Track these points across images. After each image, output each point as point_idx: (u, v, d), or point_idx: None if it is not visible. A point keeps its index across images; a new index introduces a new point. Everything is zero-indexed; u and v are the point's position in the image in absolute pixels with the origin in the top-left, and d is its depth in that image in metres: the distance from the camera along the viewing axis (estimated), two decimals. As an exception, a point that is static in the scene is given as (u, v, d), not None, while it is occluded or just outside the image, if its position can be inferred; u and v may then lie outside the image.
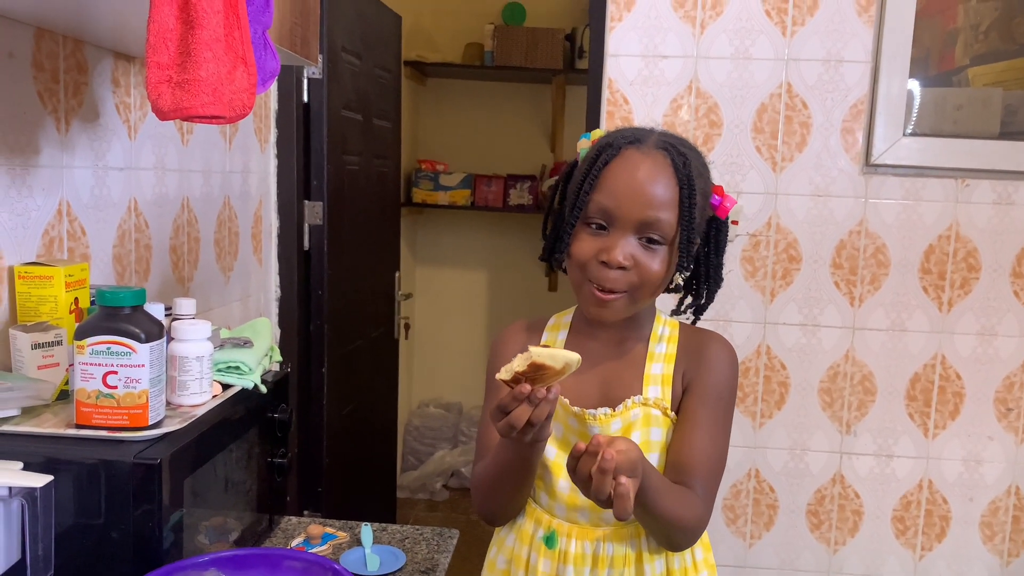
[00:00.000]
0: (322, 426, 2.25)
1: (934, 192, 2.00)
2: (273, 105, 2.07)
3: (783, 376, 2.07)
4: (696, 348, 1.14)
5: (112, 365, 0.94)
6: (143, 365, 0.95)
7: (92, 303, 1.16)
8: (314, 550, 1.28)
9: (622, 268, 1.04)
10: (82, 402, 0.95)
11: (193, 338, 1.07)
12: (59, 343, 1.08)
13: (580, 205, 1.06)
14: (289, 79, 2.07)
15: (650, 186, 1.04)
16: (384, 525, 1.38)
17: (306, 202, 2.16)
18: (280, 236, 2.13)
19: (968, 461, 2.07)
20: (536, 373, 0.88)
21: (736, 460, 2.09)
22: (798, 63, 1.98)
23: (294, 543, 1.31)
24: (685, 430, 1.10)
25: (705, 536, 1.14)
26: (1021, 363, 2.03)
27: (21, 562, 0.88)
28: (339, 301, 2.31)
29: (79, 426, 0.96)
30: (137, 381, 0.95)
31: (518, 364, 0.88)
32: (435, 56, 3.65)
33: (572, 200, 1.08)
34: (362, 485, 2.67)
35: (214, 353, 1.12)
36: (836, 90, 1.98)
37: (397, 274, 2.88)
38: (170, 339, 1.06)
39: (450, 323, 4.00)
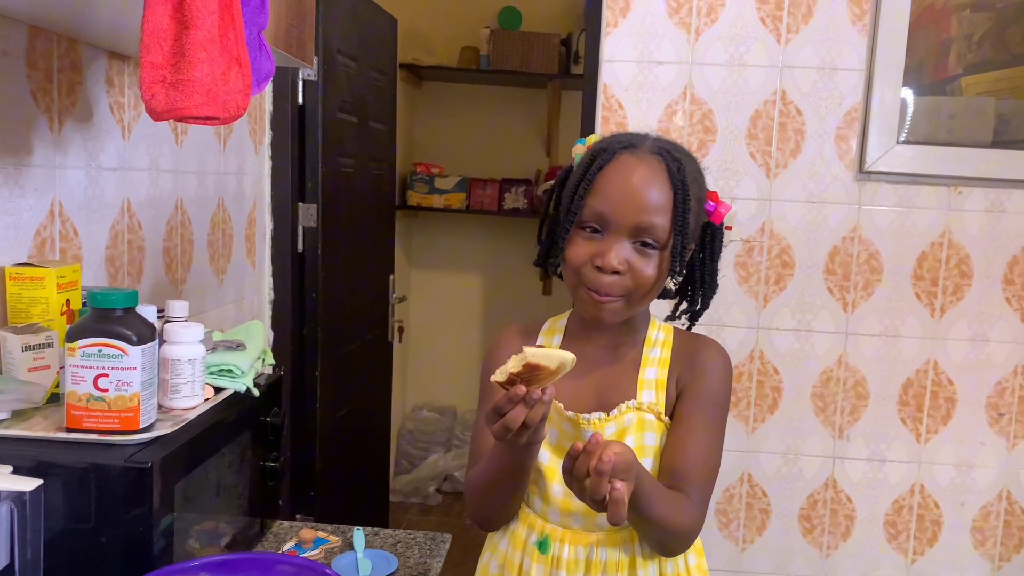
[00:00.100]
0: (315, 429, 2.24)
1: (927, 199, 2.01)
2: (268, 107, 2.07)
3: (776, 381, 2.07)
4: (690, 353, 1.14)
5: (103, 368, 0.94)
6: (135, 368, 0.94)
7: (84, 305, 1.15)
8: (306, 554, 1.28)
9: (616, 273, 1.04)
10: (73, 405, 0.95)
11: (185, 341, 1.06)
12: (50, 345, 1.07)
13: (575, 209, 1.06)
14: (284, 81, 2.07)
15: (644, 191, 1.04)
16: (376, 529, 1.37)
17: (300, 204, 2.16)
18: (274, 238, 2.12)
19: (960, 466, 2.08)
20: (531, 374, 0.88)
21: (729, 465, 2.09)
22: (792, 70, 1.99)
23: (286, 547, 1.30)
24: (679, 435, 1.10)
25: (698, 542, 1.14)
26: (1013, 369, 2.04)
27: (9, 567, 0.87)
28: (333, 304, 2.30)
29: (69, 429, 0.95)
30: (128, 384, 0.94)
31: (513, 365, 0.88)
32: (431, 59, 3.65)
33: (567, 205, 1.08)
34: (355, 489, 2.66)
35: (206, 356, 1.11)
36: (830, 97, 1.99)
37: (391, 277, 2.88)
38: (162, 342, 1.05)
39: (444, 327, 3.99)
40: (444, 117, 3.87)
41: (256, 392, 1.20)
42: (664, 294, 1.17)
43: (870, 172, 1.99)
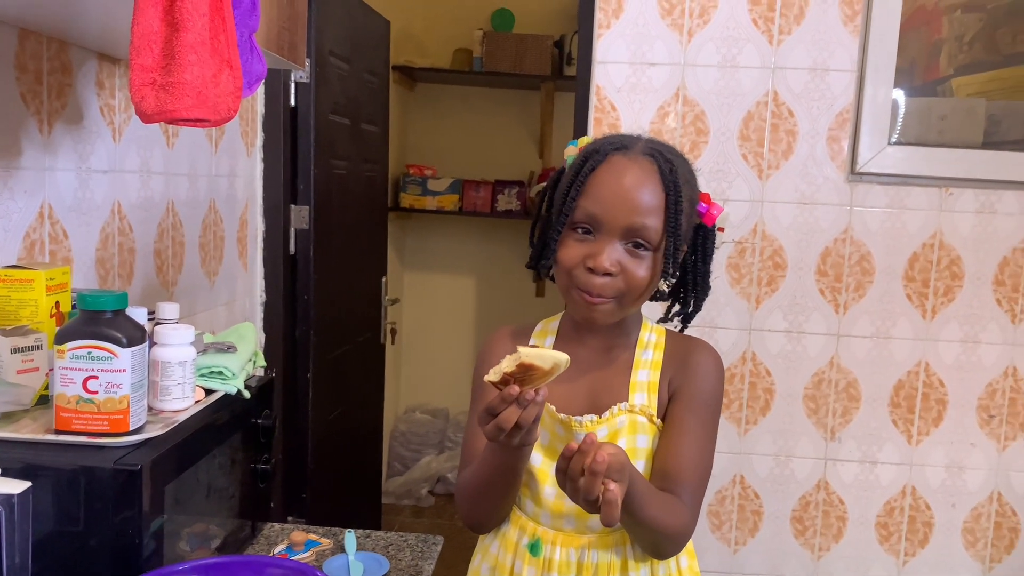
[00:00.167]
0: (307, 431, 2.24)
1: (918, 200, 2.01)
2: (260, 109, 2.06)
3: (768, 383, 2.08)
4: (682, 355, 1.14)
5: (93, 370, 0.93)
6: (124, 370, 0.94)
7: (73, 307, 1.15)
8: (297, 557, 1.27)
9: (608, 274, 1.04)
10: (62, 407, 0.94)
11: (176, 343, 1.06)
12: (39, 347, 1.06)
13: (567, 211, 1.06)
14: (276, 83, 2.07)
15: (636, 192, 1.04)
16: (368, 531, 1.37)
17: (292, 206, 2.15)
18: (266, 240, 2.11)
19: (951, 468, 2.08)
20: (525, 374, 0.88)
21: (721, 466, 2.09)
22: (784, 71, 1.99)
23: (277, 550, 1.29)
24: (671, 437, 1.10)
25: (690, 544, 1.14)
26: (1003, 370, 2.05)
27: (-2, 569, 0.87)
28: (325, 306, 2.29)
29: (59, 431, 0.95)
30: (118, 386, 0.94)
31: (506, 365, 0.88)
32: (424, 61, 3.65)
33: (559, 206, 1.08)
34: (347, 491, 2.66)
35: (197, 358, 1.11)
36: (822, 99, 1.99)
37: (384, 279, 2.87)
38: (152, 343, 1.05)
39: (437, 328, 3.99)
40: (437, 119, 3.87)
41: (247, 394, 1.20)
42: (656, 296, 1.17)
43: (862, 173, 2.00)
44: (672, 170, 1.06)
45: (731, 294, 2.05)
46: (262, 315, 2.13)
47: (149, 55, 0.90)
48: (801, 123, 2.00)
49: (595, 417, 1.10)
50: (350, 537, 1.31)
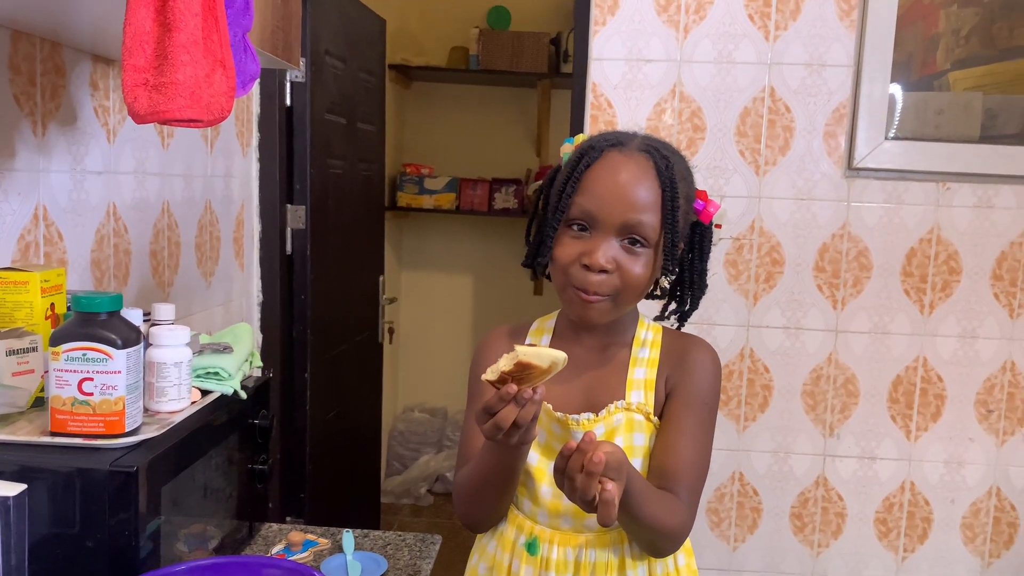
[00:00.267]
0: (305, 431, 2.23)
1: (916, 195, 2.01)
2: (255, 108, 2.06)
3: (766, 379, 2.08)
4: (679, 353, 1.14)
5: (88, 371, 0.93)
6: (119, 371, 0.93)
7: (68, 309, 1.14)
8: (295, 557, 1.27)
9: (604, 272, 1.04)
10: (57, 409, 0.94)
11: (171, 344, 1.05)
12: (34, 349, 1.06)
13: (562, 208, 1.06)
14: (272, 82, 2.06)
15: (632, 188, 1.04)
16: (366, 531, 1.37)
17: (289, 206, 2.15)
18: (262, 240, 2.11)
19: (950, 463, 2.08)
20: (522, 373, 0.88)
21: (720, 463, 2.09)
22: (781, 67, 1.99)
23: (274, 550, 1.29)
24: (668, 435, 1.09)
25: (688, 542, 1.14)
26: (1001, 365, 2.05)
27: (-6, 573, 0.87)
28: (322, 305, 2.29)
29: (54, 433, 0.94)
30: (113, 388, 0.93)
31: (504, 364, 0.88)
32: (420, 60, 3.64)
33: (555, 203, 1.08)
34: (346, 491, 2.66)
35: (193, 359, 1.11)
36: (819, 94, 1.99)
37: (381, 278, 2.87)
38: (148, 345, 1.05)
39: (435, 327, 3.99)
40: (433, 117, 3.87)
41: (243, 395, 1.20)
42: (653, 294, 1.17)
43: (859, 168, 2.00)
44: (668, 166, 1.06)
45: (729, 291, 2.05)
46: (259, 315, 2.13)
47: (141, 55, 0.89)
48: (798, 119, 2.00)
49: (592, 415, 1.09)
50: (348, 537, 1.30)
